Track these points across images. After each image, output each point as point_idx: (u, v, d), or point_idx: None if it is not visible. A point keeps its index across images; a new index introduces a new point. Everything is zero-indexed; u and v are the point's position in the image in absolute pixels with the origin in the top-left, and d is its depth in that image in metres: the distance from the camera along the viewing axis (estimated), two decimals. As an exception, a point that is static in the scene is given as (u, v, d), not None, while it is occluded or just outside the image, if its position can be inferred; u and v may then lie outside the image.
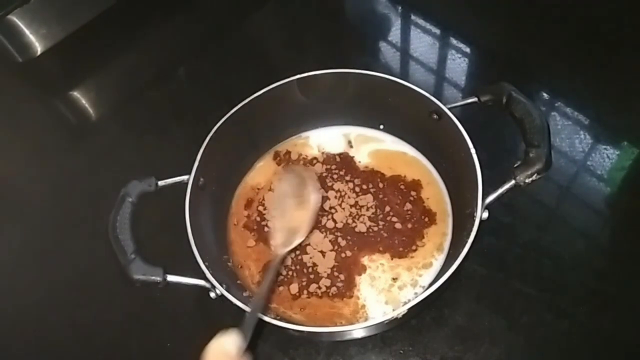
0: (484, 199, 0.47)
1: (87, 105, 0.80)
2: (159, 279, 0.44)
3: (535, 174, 0.47)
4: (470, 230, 0.45)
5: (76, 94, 0.81)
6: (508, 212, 0.58)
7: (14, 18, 0.77)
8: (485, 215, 0.47)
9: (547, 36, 0.77)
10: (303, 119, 0.65)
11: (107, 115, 0.79)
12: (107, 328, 0.56)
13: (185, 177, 0.52)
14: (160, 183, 0.52)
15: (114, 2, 0.84)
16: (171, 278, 0.45)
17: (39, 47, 0.81)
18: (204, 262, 0.46)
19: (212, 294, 0.46)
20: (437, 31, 0.80)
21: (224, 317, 0.48)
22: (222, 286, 0.44)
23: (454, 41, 0.79)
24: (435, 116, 0.54)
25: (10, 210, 0.67)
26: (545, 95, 0.72)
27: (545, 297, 0.53)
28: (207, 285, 0.45)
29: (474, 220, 0.46)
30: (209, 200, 0.55)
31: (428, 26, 0.81)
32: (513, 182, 0.47)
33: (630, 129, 0.66)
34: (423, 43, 0.79)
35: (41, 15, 0.79)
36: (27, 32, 0.79)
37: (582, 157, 0.63)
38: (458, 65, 0.75)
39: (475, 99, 0.54)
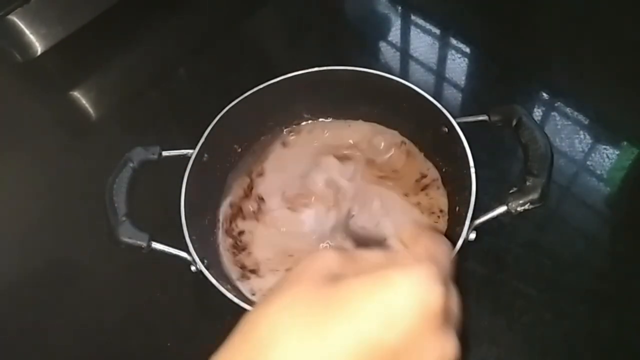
0: (472, 220, 0.46)
1: (87, 105, 0.79)
2: (144, 244, 0.45)
3: (528, 204, 0.45)
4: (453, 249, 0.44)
5: (76, 94, 0.80)
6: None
7: (14, 18, 0.77)
8: (473, 236, 0.46)
9: (547, 36, 0.77)
10: (302, 113, 0.65)
11: (107, 115, 0.79)
12: (107, 328, 0.56)
13: (189, 151, 0.53)
14: (165, 153, 0.52)
15: (114, 2, 0.83)
16: (156, 245, 0.46)
17: (39, 47, 0.81)
18: (190, 236, 0.47)
19: (193, 268, 0.47)
20: (437, 31, 0.80)
21: (225, 317, 0.48)
22: (202, 263, 0.45)
23: (454, 41, 0.79)
24: (445, 129, 0.53)
25: (9, 211, 0.67)
26: (545, 95, 0.72)
27: (545, 297, 0.53)
28: (189, 258, 0.46)
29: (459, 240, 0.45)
30: (210, 179, 0.56)
31: (428, 26, 0.81)
32: (505, 208, 0.46)
33: (630, 129, 0.66)
34: (423, 43, 0.79)
35: (41, 15, 0.79)
36: (27, 32, 0.79)
37: (582, 157, 0.63)
38: (458, 65, 0.75)
39: (485, 117, 0.53)
